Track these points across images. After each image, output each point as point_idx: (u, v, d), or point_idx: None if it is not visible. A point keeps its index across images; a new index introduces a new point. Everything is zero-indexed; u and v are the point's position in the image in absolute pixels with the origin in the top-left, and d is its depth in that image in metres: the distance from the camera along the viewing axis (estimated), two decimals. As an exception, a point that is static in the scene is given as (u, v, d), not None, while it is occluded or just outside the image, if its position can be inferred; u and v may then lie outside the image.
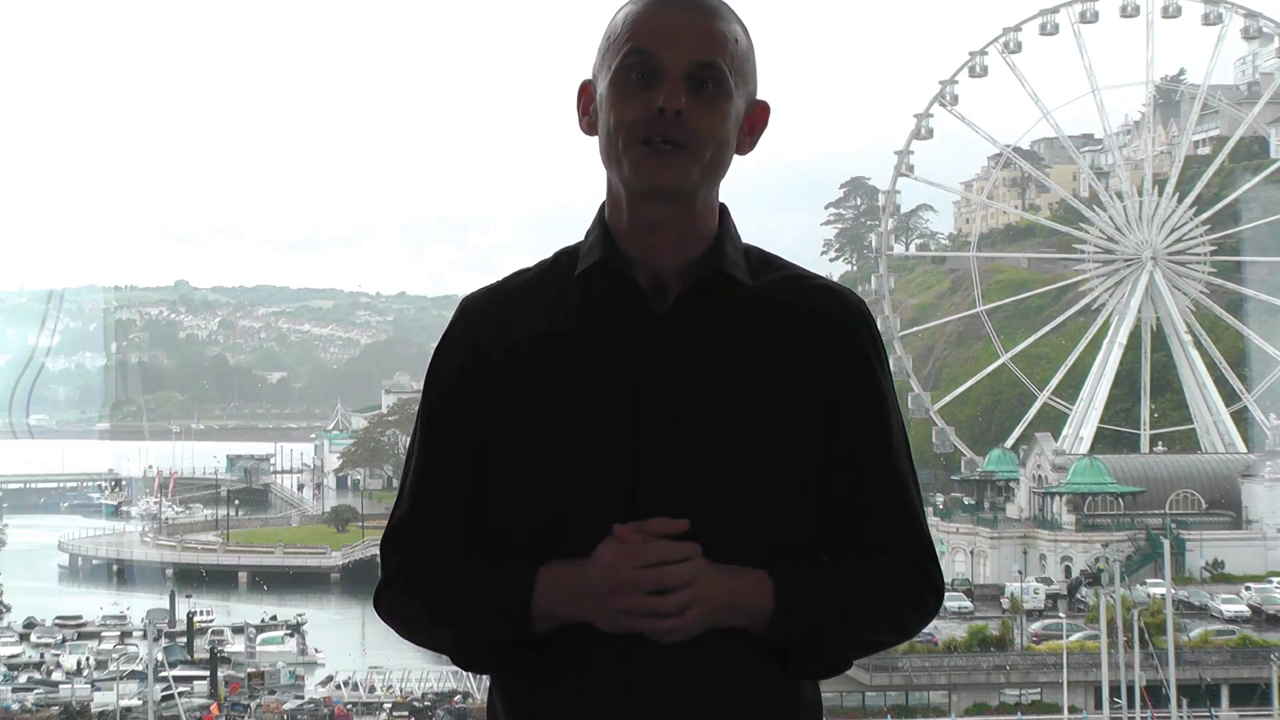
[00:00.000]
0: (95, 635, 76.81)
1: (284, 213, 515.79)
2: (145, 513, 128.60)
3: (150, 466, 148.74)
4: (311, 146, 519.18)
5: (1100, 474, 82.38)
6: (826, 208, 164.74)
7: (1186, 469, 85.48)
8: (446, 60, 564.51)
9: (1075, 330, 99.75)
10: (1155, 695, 50.81)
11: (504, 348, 2.21)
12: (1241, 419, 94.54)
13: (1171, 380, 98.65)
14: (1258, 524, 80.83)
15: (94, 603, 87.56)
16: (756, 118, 2.23)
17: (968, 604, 69.41)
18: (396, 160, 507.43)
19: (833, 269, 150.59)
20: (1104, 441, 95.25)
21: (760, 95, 2.25)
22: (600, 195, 2.26)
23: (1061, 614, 66.99)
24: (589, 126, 2.23)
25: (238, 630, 75.46)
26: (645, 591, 2.06)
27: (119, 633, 77.45)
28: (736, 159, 2.22)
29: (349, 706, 61.32)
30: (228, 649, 70.75)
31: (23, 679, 66.82)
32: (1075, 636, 60.66)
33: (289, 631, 76.83)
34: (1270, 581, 72.36)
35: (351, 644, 77.02)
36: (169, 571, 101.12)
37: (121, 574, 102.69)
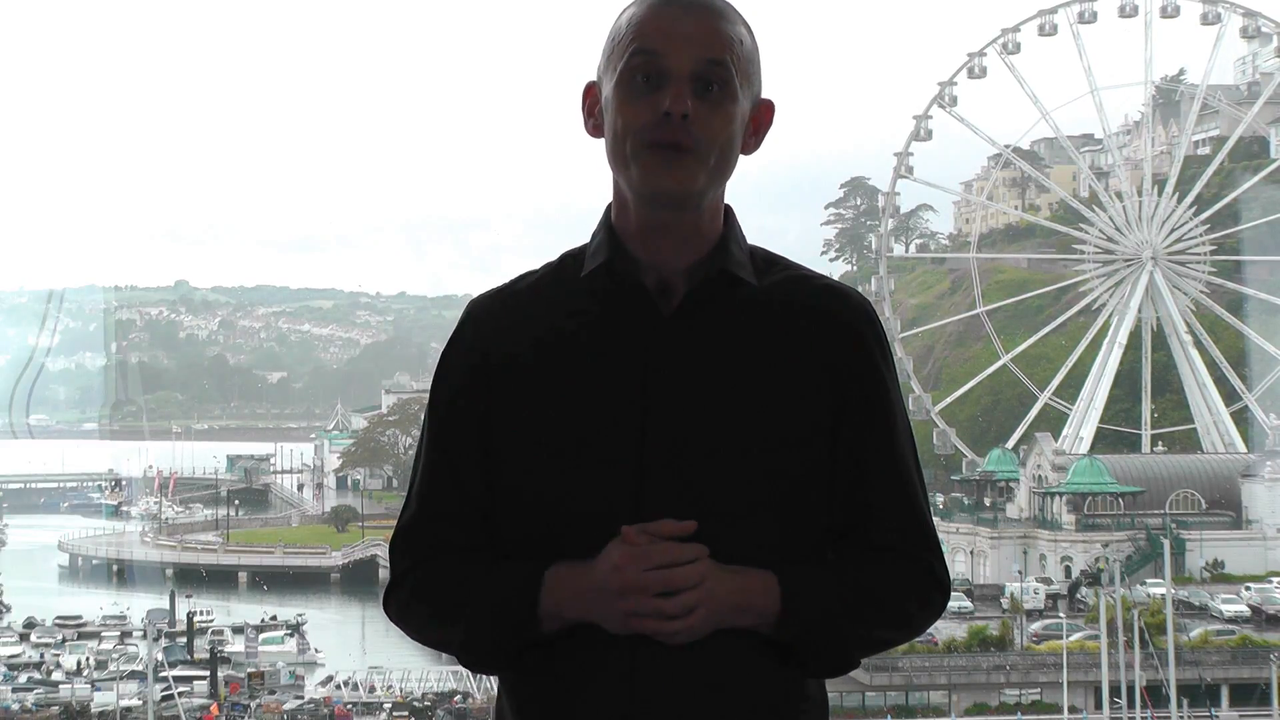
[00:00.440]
0: (95, 635, 76.78)
1: (284, 213, 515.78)
2: (145, 513, 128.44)
3: (150, 466, 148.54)
4: (312, 146, 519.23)
5: (1100, 474, 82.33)
6: (826, 208, 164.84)
7: (1186, 469, 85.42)
8: (448, 61, 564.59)
9: (1075, 330, 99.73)
10: (1155, 695, 50.79)
11: (511, 350, 2.21)
12: (1242, 419, 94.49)
13: (1172, 380, 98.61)
14: (1258, 524, 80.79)
15: (94, 603, 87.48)
16: (761, 117, 2.23)
17: (968, 604, 69.33)
18: (397, 160, 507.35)
19: (833, 269, 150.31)
20: (1104, 441, 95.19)
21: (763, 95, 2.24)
22: (602, 196, 2.25)
23: (1061, 614, 66.94)
24: (595, 129, 2.22)
25: (238, 630, 75.45)
26: (652, 593, 2.07)
27: (119, 633, 77.41)
28: (739, 159, 2.21)
29: (349, 706, 61.32)
30: (228, 649, 70.74)
31: (23, 679, 66.83)
32: (1075, 636, 60.64)
33: (289, 631, 76.83)
34: (1270, 581, 72.32)
35: (351, 644, 77.10)
36: (169, 571, 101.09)
37: (121, 574, 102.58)
